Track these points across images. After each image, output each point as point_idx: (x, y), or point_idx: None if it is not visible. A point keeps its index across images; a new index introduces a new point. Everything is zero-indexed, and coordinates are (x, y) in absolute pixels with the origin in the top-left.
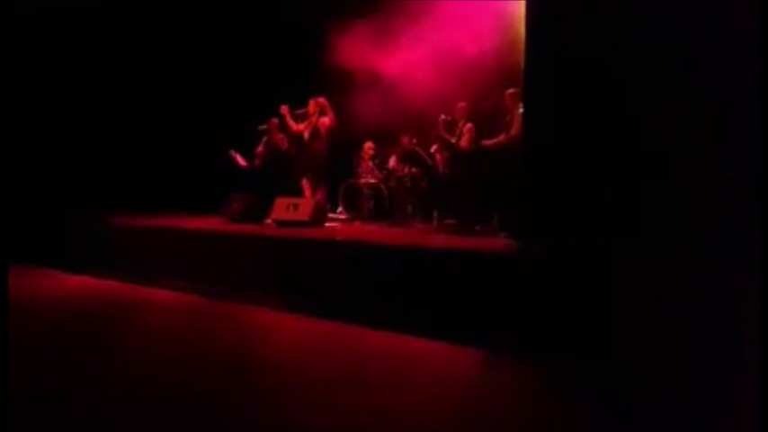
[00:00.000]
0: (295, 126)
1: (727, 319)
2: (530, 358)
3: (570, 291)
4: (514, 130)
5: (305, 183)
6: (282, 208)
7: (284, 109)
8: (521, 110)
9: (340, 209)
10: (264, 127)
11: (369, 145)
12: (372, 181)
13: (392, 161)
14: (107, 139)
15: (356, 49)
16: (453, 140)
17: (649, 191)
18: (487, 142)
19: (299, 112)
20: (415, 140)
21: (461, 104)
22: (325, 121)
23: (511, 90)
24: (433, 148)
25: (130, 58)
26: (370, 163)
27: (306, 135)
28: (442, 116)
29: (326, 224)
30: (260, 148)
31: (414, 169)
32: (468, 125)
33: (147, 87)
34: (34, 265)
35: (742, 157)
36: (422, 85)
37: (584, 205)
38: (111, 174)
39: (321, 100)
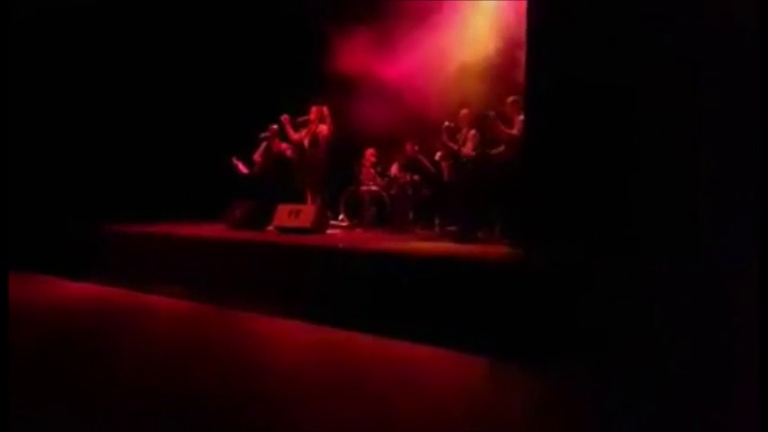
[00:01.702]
0: (295, 135)
1: (728, 323)
2: (532, 365)
3: (572, 298)
4: (517, 138)
5: (307, 190)
6: (284, 215)
7: (285, 118)
8: (521, 117)
9: (341, 216)
10: (266, 134)
11: (370, 152)
12: (374, 188)
13: (394, 168)
14: (108, 145)
15: (358, 56)
16: (456, 148)
17: (651, 198)
18: (492, 151)
19: (302, 119)
20: (417, 147)
21: (464, 111)
22: (323, 129)
23: (512, 98)
24: (438, 156)
25: (132, 65)
26: (372, 170)
27: (306, 142)
28: (446, 123)
29: (328, 231)
30: (260, 155)
31: (415, 176)
32: (472, 131)
33: (148, 94)
34: (34, 272)
35: (743, 164)
36: (424, 92)
37: (585, 213)
38: (112, 180)
39: (324, 109)
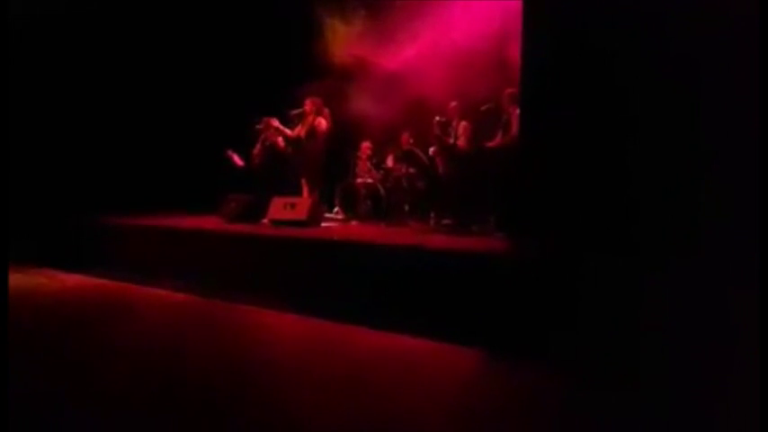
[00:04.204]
0: (291, 132)
1: (727, 322)
2: (527, 358)
3: (567, 291)
4: (513, 130)
5: (303, 182)
6: (279, 207)
7: (274, 122)
8: (518, 110)
9: (337, 209)
10: (260, 126)
11: (366, 145)
12: (369, 181)
13: (389, 161)
14: (105, 139)
15: (354, 47)
16: (452, 141)
17: (649, 194)
18: (488, 144)
19: (296, 112)
20: (411, 140)
21: (453, 104)
22: (322, 122)
23: (509, 90)
24: (432, 151)
25: (129, 59)
26: (368, 163)
27: (303, 135)
28: (437, 118)
29: (323, 224)
30: (256, 148)
31: (411, 169)
32: (464, 123)
33: (144, 88)
34: (33, 264)
35: (743, 163)
36: (421, 84)
37: (581, 205)
38: (109, 174)
39: (319, 101)
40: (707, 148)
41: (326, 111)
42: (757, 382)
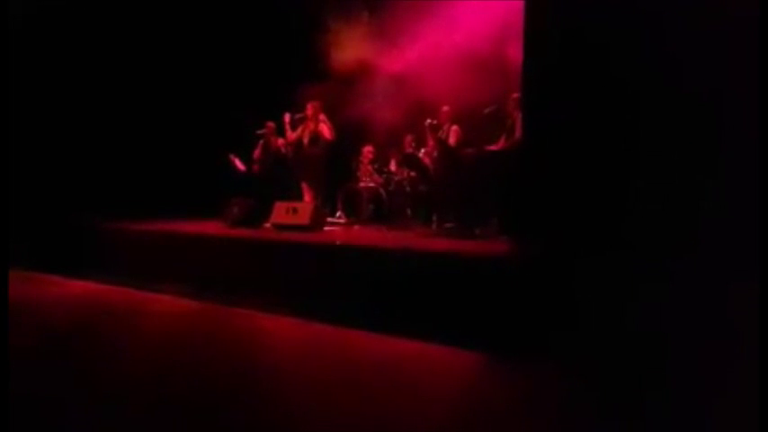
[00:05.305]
0: (292, 134)
1: (726, 320)
2: (529, 361)
3: (570, 294)
4: (517, 134)
5: (305, 187)
6: (282, 212)
7: (286, 117)
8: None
9: (339, 213)
10: (263, 131)
11: (368, 149)
12: (371, 185)
13: (392, 165)
14: (107, 143)
15: (357, 50)
16: (453, 146)
17: (652, 195)
18: (491, 148)
19: (299, 116)
20: (414, 144)
21: (446, 108)
22: (325, 129)
23: (515, 95)
24: (422, 153)
25: (130, 62)
26: (370, 167)
27: (305, 140)
28: (428, 120)
29: (326, 228)
30: (258, 153)
31: (412, 173)
32: (454, 127)
33: (146, 92)
34: (35, 271)
35: (742, 161)
36: (423, 87)
37: (584, 207)
38: (111, 178)
39: (321, 116)
40: (708, 148)
41: (323, 116)
42: (757, 382)
